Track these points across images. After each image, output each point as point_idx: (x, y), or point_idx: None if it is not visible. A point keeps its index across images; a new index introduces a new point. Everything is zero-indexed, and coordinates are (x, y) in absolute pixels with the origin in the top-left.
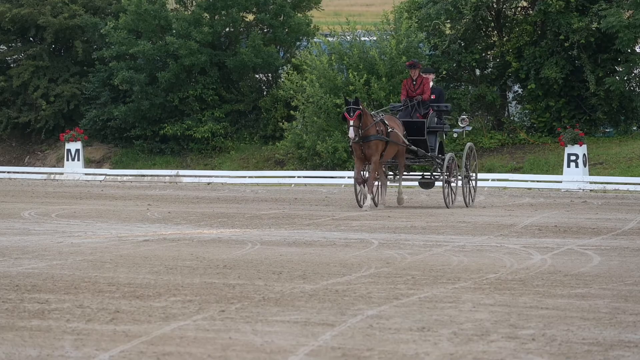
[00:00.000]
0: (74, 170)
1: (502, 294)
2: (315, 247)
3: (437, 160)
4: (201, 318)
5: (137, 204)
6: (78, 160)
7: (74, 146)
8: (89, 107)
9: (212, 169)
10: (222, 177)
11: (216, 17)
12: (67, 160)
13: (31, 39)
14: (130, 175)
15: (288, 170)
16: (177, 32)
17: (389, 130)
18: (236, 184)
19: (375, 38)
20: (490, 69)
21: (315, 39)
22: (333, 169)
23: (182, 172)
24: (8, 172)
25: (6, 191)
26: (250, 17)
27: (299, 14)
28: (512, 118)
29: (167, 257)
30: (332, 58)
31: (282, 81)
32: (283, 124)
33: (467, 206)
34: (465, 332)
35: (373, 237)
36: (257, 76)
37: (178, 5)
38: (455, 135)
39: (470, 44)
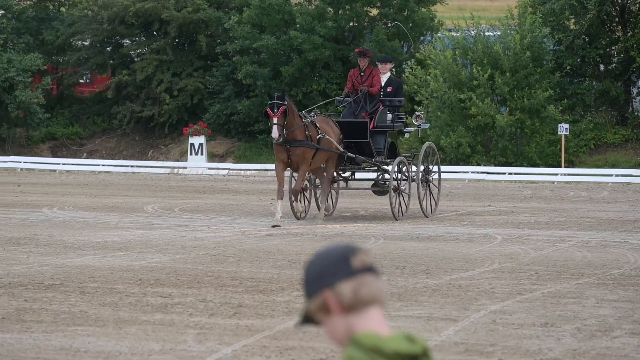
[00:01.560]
0: (197, 164)
1: (625, 290)
2: (438, 242)
3: (381, 166)
4: None
5: (260, 198)
6: (201, 154)
7: (197, 140)
8: (213, 101)
9: None
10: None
11: (340, 11)
12: (191, 154)
13: (155, 33)
14: (254, 170)
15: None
16: (301, 26)
17: (319, 135)
18: (360, 179)
19: (499, 33)
20: (614, 64)
21: (439, 34)
22: (457, 163)
23: None
24: (132, 166)
25: (129, 185)
26: (374, 11)
27: (423, 9)
28: (636, 113)
29: (290, 251)
30: (456, 53)
31: (406, 76)
32: (407, 118)
33: (425, 216)
34: (588, 328)
35: (496, 232)
36: None
37: (302, 0)
38: (406, 135)
39: (594, 39)
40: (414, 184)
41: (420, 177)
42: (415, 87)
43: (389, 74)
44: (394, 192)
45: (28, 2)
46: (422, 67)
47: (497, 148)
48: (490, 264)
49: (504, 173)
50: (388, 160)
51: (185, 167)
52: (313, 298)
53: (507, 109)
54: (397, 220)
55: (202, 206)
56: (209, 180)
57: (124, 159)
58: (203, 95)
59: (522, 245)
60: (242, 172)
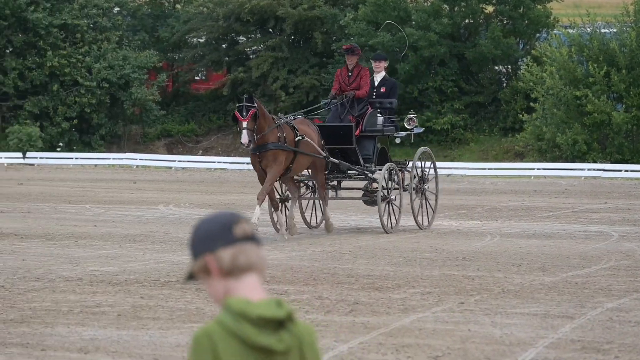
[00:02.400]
0: None
1: None
2: (554, 240)
3: (367, 174)
4: (440, 310)
5: None
6: None
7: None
8: (328, 98)
9: (452, 161)
10: (461, 168)
11: (455, 8)
12: None
13: (270, 30)
14: None
15: (527, 162)
16: (416, 23)
17: (298, 137)
18: (475, 176)
19: (615, 30)
20: None
21: (555, 31)
22: (573, 161)
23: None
24: (247, 163)
25: (245, 182)
26: (489, 8)
27: (538, 6)
28: None
29: (405, 248)
30: (572, 50)
31: (522, 73)
32: (523, 115)
33: (420, 228)
34: None
35: (613, 230)
36: (496, 68)
37: None
38: (397, 140)
39: None
40: (406, 194)
41: (413, 186)
42: (531, 84)
43: (383, 72)
44: (382, 201)
45: (144, 0)
46: (537, 64)
47: (613, 145)
48: (606, 262)
49: (620, 170)
50: (376, 168)
51: None
52: (197, 259)
53: (624, 106)
54: (387, 233)
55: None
56: None
57: (240, 156)
58: (319, 92)
59: (638, 242)
60: None
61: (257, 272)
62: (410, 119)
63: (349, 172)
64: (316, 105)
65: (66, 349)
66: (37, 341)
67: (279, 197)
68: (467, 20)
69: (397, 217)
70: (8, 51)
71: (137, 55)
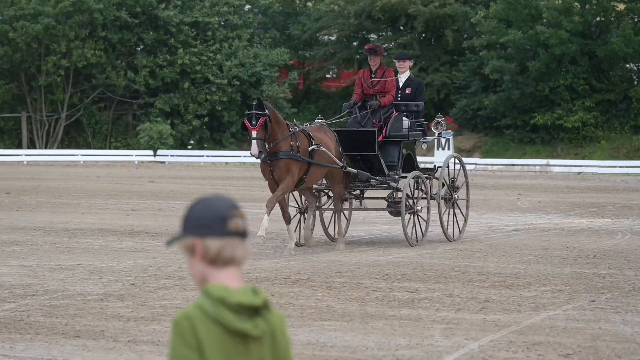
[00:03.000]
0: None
1: None
2: None
3: (390, 183)
4: (571, 308)
5: (507, 193)
6: (448, 149)
7: (444, 135)
8: (459, 96)
9: (582, 159)
10: (592, 166)
11: (587, 6)
12: (437, 149)
13: (401, 27)
14: (500, 165)
15: None
16: (547, 21)
17: (313, 146)
18: (606, 174)
19: None
20: None
21: None
22: None
23: (552, 161)
24: None
25: None
26: (621, 6)
27: None
28: None
29: (537, 246)
30: None
31: None
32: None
33: (449, 240)
34: None
35: None
36: (628, 65)
37: None
38: (424, 146)
39: None
40: (434, 204)
41: (442, 195)
42: None
43: (408, 72)
44: (407, 212)
45: None
46: None
47: None
48: None
49: None
50: (400, 176)
51: (431, 163)
52: (184, 237)
53: None
54: (412, 246)
55: None
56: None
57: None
58: (450, 90)
59: None
60: (489, 167)
61: (238, 264)
62: (438, 122)
63: (370, 181)
64: (339, 116)
65: None
66: (167, 339)
67: (298, 208)
68: (598, 18)
69: (423, 229)
70: (139, 49)
71: (268, 53)
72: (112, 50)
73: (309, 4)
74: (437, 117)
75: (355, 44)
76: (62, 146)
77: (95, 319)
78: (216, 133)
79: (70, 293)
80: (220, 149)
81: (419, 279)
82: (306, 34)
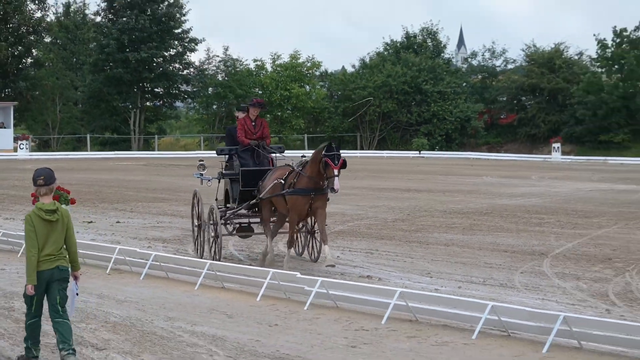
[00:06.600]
0: None
1: None
2: None
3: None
4: None
5: None
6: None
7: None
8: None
9: None
10: None
11: None
12: None
13: None
14: None
15: None
16: None
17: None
18: None
19: None
20: None
21: None
22: None
23: None
24: None
25: None
26: None
27: None
28: None
29: None
30: None
31: None
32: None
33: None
34: None
35: None
36: None
37: None
38: (209, 184)
39: None
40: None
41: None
42: None
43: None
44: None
45: None
46: None
47: None
48: None
49: None
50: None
51: None
52: (35, 184)
53: None
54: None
55: None
56: None
57: None
58: None
59: None
60: None
61: (50, 193)
62: (201, 165)
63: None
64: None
65: None
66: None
67: (304, 228)
68: None
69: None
70: None
71: None
72: None
73: None
74: (200, 161)
75: None
76: None
77: None
78: None
79: None
80: None
81: None
82: None
